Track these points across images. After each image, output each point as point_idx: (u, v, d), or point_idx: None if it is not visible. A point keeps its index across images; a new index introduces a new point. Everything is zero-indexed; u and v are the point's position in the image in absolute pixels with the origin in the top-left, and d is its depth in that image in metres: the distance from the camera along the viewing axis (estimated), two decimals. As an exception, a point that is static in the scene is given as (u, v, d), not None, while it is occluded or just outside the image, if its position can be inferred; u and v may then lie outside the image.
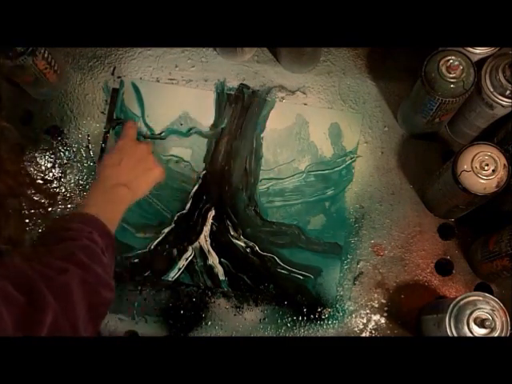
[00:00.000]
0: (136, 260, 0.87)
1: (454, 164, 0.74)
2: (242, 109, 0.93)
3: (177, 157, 0.91)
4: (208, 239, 0.88)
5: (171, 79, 0.94)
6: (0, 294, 0.51)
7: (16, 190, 0.50)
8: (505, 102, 0.76)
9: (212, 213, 0.89)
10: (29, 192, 0.53)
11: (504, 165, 0.73)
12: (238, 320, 0.85)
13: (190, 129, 0.92)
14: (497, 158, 0.73)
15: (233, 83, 0.94)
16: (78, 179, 0.90)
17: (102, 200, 0.72)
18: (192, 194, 0.89)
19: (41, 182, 0.89)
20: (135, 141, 0.80)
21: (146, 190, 0.78)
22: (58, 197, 0.89)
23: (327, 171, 0.90)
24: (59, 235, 0.65)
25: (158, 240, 0.88)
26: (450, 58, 0.74)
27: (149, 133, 0.92)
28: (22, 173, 0.53)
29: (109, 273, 0.66)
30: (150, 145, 0.81)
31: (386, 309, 0.85)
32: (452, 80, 0.75)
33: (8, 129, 0.50)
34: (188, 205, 0.89)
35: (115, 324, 0.84)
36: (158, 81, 0.94)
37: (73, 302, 0.58)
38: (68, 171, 0.90)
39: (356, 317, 0.85)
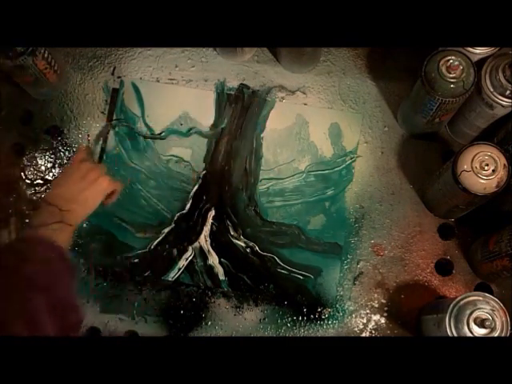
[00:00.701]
0: (136, 260, 0.87)
1: (454, 164, 0.74)
2: (241, 109, 0.93)
3: (177, 157, 0.91)
4: (208, 239, 0.88)
5: (171, 79, 0.94)
6: None
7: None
8: (505, 101, 0.76)
9: (212, 213, 0.89)
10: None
11: (504, 165, 0.73)
12: (237, 320, 0.85)
13: (190, 129, 0.92)
14: (497, 158, 0.73)
15: (233, 83, 0.94)
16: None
17: (54, 219, 0.70)
18: (192, 194, 0.89)
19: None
20: (80, 162, 0.77)
21: (95, 201, 0.75)
22: None
23: (327, 171, 0.90)
24: (19, 258, 0.63)
25: (158, 240, 0.88)
26: (450, 57, 0.74)
27: (149, 133, 0.92)
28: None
29: (73, 293, 0.65)
30: (97, 164, 0.81)
31: (386, 309, 0.85)
32: (452, 80, 0.75)
33: None
34: (188, 205, 0.89)
35: (115, 324, 0.84)
36: (158, 81, 0.94)
37: (42, 331, 0.55)
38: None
39: (356, 317, 0.85)
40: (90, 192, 0.75)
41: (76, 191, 0.74)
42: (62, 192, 0.73)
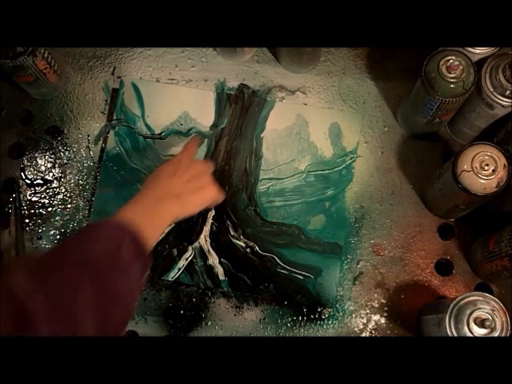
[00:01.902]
0: (136, 260, 0.87)
1: (454, 164, 0.74)
2: (241, 109, 0.93)
3: (177, 157, 0.91)
4: (208, 239, 0.88)
5: (171, 79, 0.94)
6: None
7: None
8: (505, 101, 0.76)
9: (212, 213, 0.89)
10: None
11: (504, 165, 0.73)
12: (238, 320, 0.85)
13: (190, 129, 0.92)
14: (497, 158, 0.73)
15: (233, 83, 0.94)
16: (78, 179, 0.90)
17: (146, 209, 0.65)
18: (192, 194, 0.89)
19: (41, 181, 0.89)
20: (192, 158, 0.78)
21: (198, 208, 0.73)
22: (59, 197, 0.89)
23: (327, 171, 0.90)
24: (83, 237, 0.59)
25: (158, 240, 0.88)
26: (450, 57, 0.74)
27: (149, 133, 0.92)
28: None
29: (134, 283, 0.58)
30: (209, 165, 0.78)
31: (386, 309, 0.85)
32: (452, 80, 0.75)
33: None
34: (188, 205, 0.89)
35: (115, 324, 0.84)
36: (158, 81, 0.94)
37: (76, 327, 0.50)
38: (68, 171, 0.90)
39: (356, 317, 0.85)
40: (197, 198, 0.72)
41: (186, 192, 0.70)
42: (167, 183, 0.70)
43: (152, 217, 0.65)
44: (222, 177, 0.90)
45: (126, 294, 0.57)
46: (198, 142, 0.86)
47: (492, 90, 0.76)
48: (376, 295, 0.85)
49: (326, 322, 0.85)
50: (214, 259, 0.87)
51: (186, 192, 0.71)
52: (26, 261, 0.54)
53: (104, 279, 0.54)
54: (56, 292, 0.50)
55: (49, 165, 0.91)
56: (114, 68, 0.95)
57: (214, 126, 0.92)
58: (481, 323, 0.69)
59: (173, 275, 0.86)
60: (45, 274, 0.52)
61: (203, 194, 0.73)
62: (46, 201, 0.89)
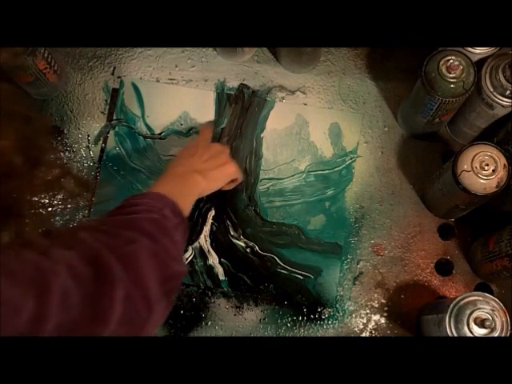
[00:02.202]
0: (136, 260, 0.87)
1: (454, 164, 0.74)
2: (241, 109, 0.93)
3: (177, 157, 0.91)
4: (208, 239, 0.88)
5: (171, 79, 0.94)
6: (68, 272, 0.49)
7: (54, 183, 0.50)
8: (505, 101, 0.76)
9: (212, 213, 0.89)
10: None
11: (504, 165, 0.73)
12: (238, 320, 0.85)
13: (190, 129, 0.92)
14: (497, 158, 0.73)
15: (233, 83, 0.94)
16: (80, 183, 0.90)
17: (174, 183, 0.72)
18: (192, 193, 0.89)
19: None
20: (209, 141, 0.83)
21: (221, 183, 0.79)
22: (59, 197, 0.89)
23: (327, 171, 0.90)
24: (127, 210, 0.64)
25: (158, 240, 0.88)
26: (450, 57, 0.74)
27: (149, 133, 0.92)
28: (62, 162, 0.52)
29: (179, 249, 0.64)
30: (226, 147, 0.83)
31: (386, 309, 0.85)
32: (452, 80, 0.75)
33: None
34: (188, 205, 0.89)
35: (115, 324, 0.84)
36: (158, 81, 0.94)
37: (142, 273, 0.56)
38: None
39: (356, 317, 0.85)
40: (219, 173, 0.77)
41: (207, 168, 0.76)
42: (189, 162, 0.75)
43: (181, 190, 0.71)
44: (222, 177, 0.90)
45: (177, 256, 0.63)
46: (212, 127, 0.88)
47: (492, 89, 0.76)
48: (376, 295, 0.85)
49: (325, 321, 0.85)
50: (214, 259, 0.87)
51: (208, 168, 0.76)
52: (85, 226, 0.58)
53: (158, 243, 0.59)
54: (122, 255, 0.55)
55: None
56: (114, 68, 0.95)
57: (214, 125, 0.92)
58: (481, 323, 0.69)
59: (173, 275, 0.86)
60: (108, 237, 0.57)
61: (224, 170, 0.78)
62: (46, 201, 0.89)
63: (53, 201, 0.87)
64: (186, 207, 0.70)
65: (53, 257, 0.50)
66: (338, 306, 0.85)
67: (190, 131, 0.92)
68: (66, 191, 0.52)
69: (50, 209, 0.88)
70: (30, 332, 0.44)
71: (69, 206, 0.89)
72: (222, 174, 0.78)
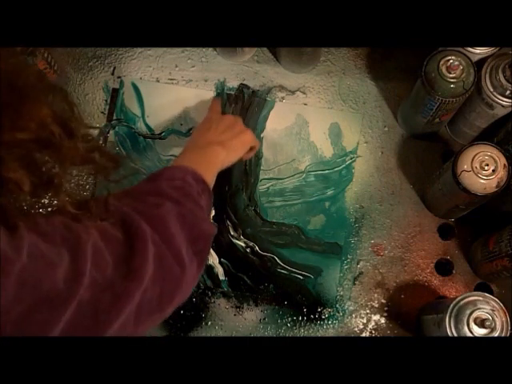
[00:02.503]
0: (136, 260, 0.87)
1: (454, 164, 0.74)
2: (241, 109, 0.93)
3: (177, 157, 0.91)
4: (208, 239, 0.88)
5: (171, 79, 0.94)
6: (99, 234, 0.50)
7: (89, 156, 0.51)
8: (505, 101, 0.76)
9: (212, 213, 0.89)
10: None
11: (504, 165, 0.73)
12: (238, 320, 0.85)
13: (190, 129, 0.92)
14: (497, 158, 0.73)
15: (233, 83, 0.94)
16: (78, 179, 0.90)
17: (195, 155, 0.73)
18: (192, 193, 0.89)
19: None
20: (220, 113, 0.85)
21: (240, 152, 0.79)
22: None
23: (327, 171, 0.90)
24: (151, 179, 0.66)
25: (158, 240, 0.88)
26: (450, 57, 0.74)
27: (149, 133, 0.92)
28: (92, 137, 0.53)
29: (205, 212, 0.66)
30: (239, 117, 0.84)
31: (386, 309, 0.85)
32: (452, 80, 0.75)
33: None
34: (188, 205, 0.89)
35: (115, 324, 0.84)
36: (158, 81, 0.94)
37: (171, 233, 0.57)
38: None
39: (356, 317, 0.85)
40: (237, 141, 0.78)
41: (225, 139, 0.77)
42: (206, 136, 0.77)
43: (201, 161, 0.72)
44: (221, 177, 0.90)
45: (204, 217, 0.64)
46: (220, 99, 0.90)
47: (492, 89, 0.76)
48: (376, 295, 0.85)
49: (326, 321, 0.85)
50: (214, 259, 0.87)
51: (225, 139, 0.77)
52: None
53: (183, 207, 0.61)
54: (151, 217, 0.56)
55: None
56: (114, 68, 0.95)
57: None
58: (481, 323, 0.69)
59: (173, 275, 0.86)
60: (135, 202, 0.59)
61: (242, 138, 0.79)
62: (46, 201, 0.89)
63: (53, 201, 0.87)
64: (209, 177, 0.71)
65: (83, 221, 0.51)
66: (338, 306, 0.85)
67: (190, 131, 0.92)
68: (97, 165, 0.53)
69: (49, 209, 0.88)
70: (68, 289, 0.45)
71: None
72: (241, 142, 0.79)
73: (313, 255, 0.87)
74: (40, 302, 0.43)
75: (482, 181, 0.73)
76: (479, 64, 0.77)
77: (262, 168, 0.90)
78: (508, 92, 0.76)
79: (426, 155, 0.90)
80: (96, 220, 0.53)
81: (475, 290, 0.85)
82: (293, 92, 0.93)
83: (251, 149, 0.82)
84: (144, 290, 0.52)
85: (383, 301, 0.85)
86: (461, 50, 0.76)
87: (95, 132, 0.90)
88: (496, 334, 0.69)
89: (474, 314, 0.70)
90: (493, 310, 0.70)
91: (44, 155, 0.45)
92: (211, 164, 0.73)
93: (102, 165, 0.54)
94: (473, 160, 0.73)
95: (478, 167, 0.73)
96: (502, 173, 0.73)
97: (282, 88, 0.93)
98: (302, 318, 0.85)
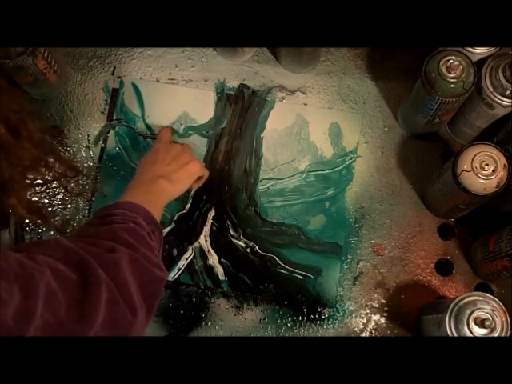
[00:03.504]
0: (136, 260, 0.87)
1: (454, 164, 0.74)
2: (241, 109, 0.93)
3: (177, 157, 0.91)
4: (208, 239, 0.88)
5: (171, 79, 0.94)
6: (53, 274, 0.50)
7: (40, 159, 0.51)
8: (505, 101, 0.76)
9: (212, 213, 0.89)
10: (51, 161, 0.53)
11: (504, 165, 0.73)
12: (238, 320, 0.85)
13: (190, 129, 0.92)
14: (497, 158, 0.73)
15: (233, 83, 0.94)
16: (78, 179, 0.90)
17: (142, 191, 0.73)
18: (192, 193, 0.89)
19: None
20: (169, 143, 0.83)
21: (187, 182, 0.79)
22: (59, 197, 0.89)
23: (327, 171, 0.90)
24: (103, 221, 0.65)
25: (158, 240, 0.88)
26: (450, 57, 0.74)
27: (149, 133, 0.92)
28: (45, 141, 0.53)
29: (156, 255, 0.65)
30: (186, 145, 0.83)
31: (386, 309, 0.85)
32: (452, 80, 0.75)
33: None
34: (188, 205, 0.89)
35: (115, 324, 0.84)
36: (158, 81, 0.94)
37: (124, 278, 0.57)
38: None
39: (356, 317, 0.85)
40: (183, 172, 0.78)
41: (171, 171, 0.76)
42: (152, 169, 0.76)
43: (149, 198, 0.71)
44: (221, 177, 0.90)
45: (156, 261, 0.63)
46: (170, 129, 0.88)
47: (492, 89, 0.76)
48: (376, 295, 0.85)
49: (326, 321, 0.85)
50: (214, 259, 0.87)
51: (171, 171, 0.76)
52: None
53: (136, 251, 0.61)
54: (104, 261, 0.56)
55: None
56: (114, 68, 0.95)
57: (214, 125, 0.92)
58: (481, 323, 0.69)
59: (173, 275, 0.86)
60: (89, 245, 0.58)
61: (188, 168, 0.78)
62: (46, 201, 0.89)
63: (53, 201, 0.87)
64: (157, 213, 0.71)
65: (38, 259, 0.51)
66: (338, 305, 0.85)
67: (190, 131, 0.92)
68: (54, 171, 0.52)
69: (49, 209, 0.88)
70: (18, 328, 0.44)
71: (69, 206, 0.89)
72: (187, 173, 0.78)
73: (313, 255, 0.87)
74: None
75: (482, 181, 0.73)
76: (479, 64, 0.77)
77: (262, 168, 0.90)
78: (508, 92, 0.76)
79: (425, 155, 0.90)
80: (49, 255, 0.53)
81: (475, 289, 0.85)
82: (293, 92, 0.93)
83: (200, 178, 0.82)
84: (94, 334, 0.51)
85: (383, 301, 0.85)
86: (461, 49, 0.76)
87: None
88: (496, 334, 0.69)
89: (474, 314, 0.70)
90: (493, 310, 0.70)
91: None
92: (159, 200, 0.73)
93: (60, 172, 0.54)
94: (473, 160, 0.73)
95: (478, 167, 0.73)
96: (501, 173, 0.73)
97: (281, 88, 0.93)
98: (302, 318, 0.85)
